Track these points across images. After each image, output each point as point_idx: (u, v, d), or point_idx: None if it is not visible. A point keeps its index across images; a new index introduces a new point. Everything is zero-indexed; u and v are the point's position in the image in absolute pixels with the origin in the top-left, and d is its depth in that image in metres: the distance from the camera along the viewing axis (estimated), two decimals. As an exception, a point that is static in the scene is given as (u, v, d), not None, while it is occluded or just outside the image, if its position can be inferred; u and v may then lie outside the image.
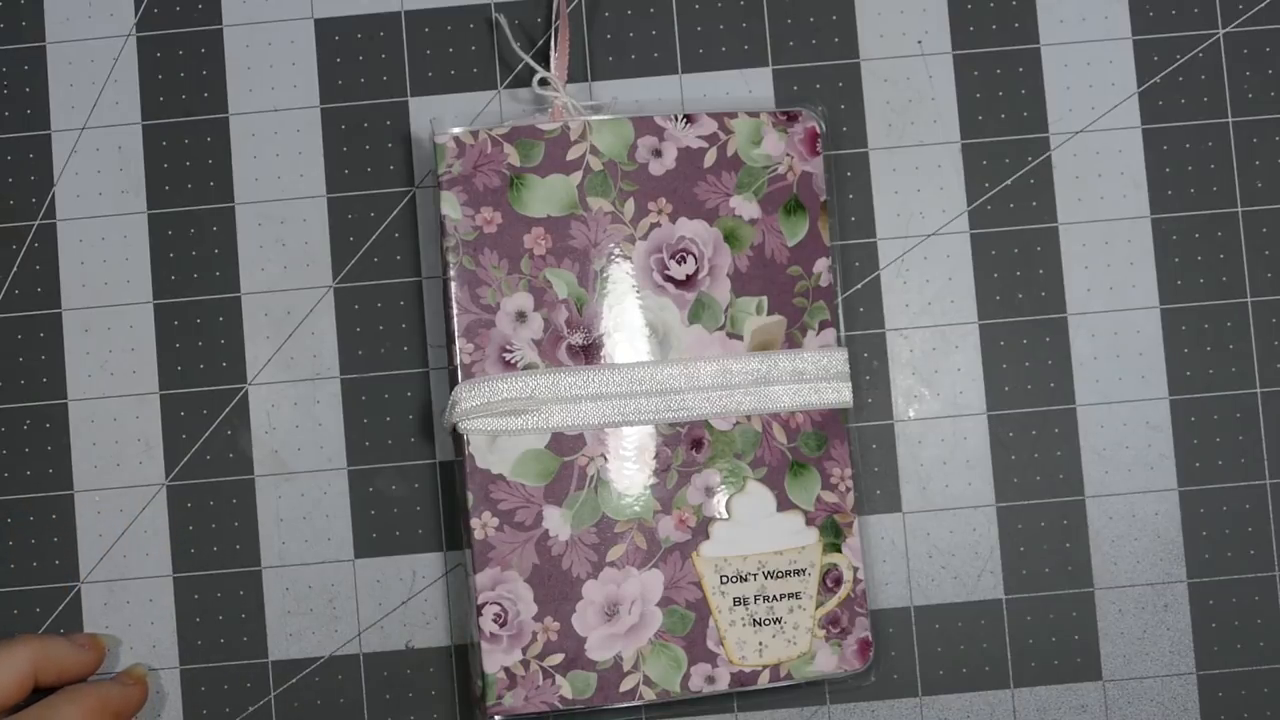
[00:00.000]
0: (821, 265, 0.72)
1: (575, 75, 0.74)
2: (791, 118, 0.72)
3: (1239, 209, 0.74)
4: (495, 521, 0.69)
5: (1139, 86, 0.75)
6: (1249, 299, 0.74)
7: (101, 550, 0.73)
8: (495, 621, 0.69)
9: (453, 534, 0.73)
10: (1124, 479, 0.74)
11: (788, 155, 0.72)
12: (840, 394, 0.71)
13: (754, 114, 0.72)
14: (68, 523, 0.73)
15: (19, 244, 0.74)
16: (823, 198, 0.72)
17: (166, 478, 0.74)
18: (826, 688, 0.73)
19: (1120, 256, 0.74)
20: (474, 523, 0.69)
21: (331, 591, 0.73)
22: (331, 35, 0.75)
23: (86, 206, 0.74)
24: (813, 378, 0.71)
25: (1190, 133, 0.74)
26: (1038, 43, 0.75)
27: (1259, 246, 0.74)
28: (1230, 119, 0.74)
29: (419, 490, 0.74)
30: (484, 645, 0.69)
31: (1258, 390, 0.74)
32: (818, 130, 0.72)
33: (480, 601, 0.69)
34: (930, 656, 0.73)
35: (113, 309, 0.74)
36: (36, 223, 0.74)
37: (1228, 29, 0.75)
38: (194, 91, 0.75)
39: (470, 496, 0.69)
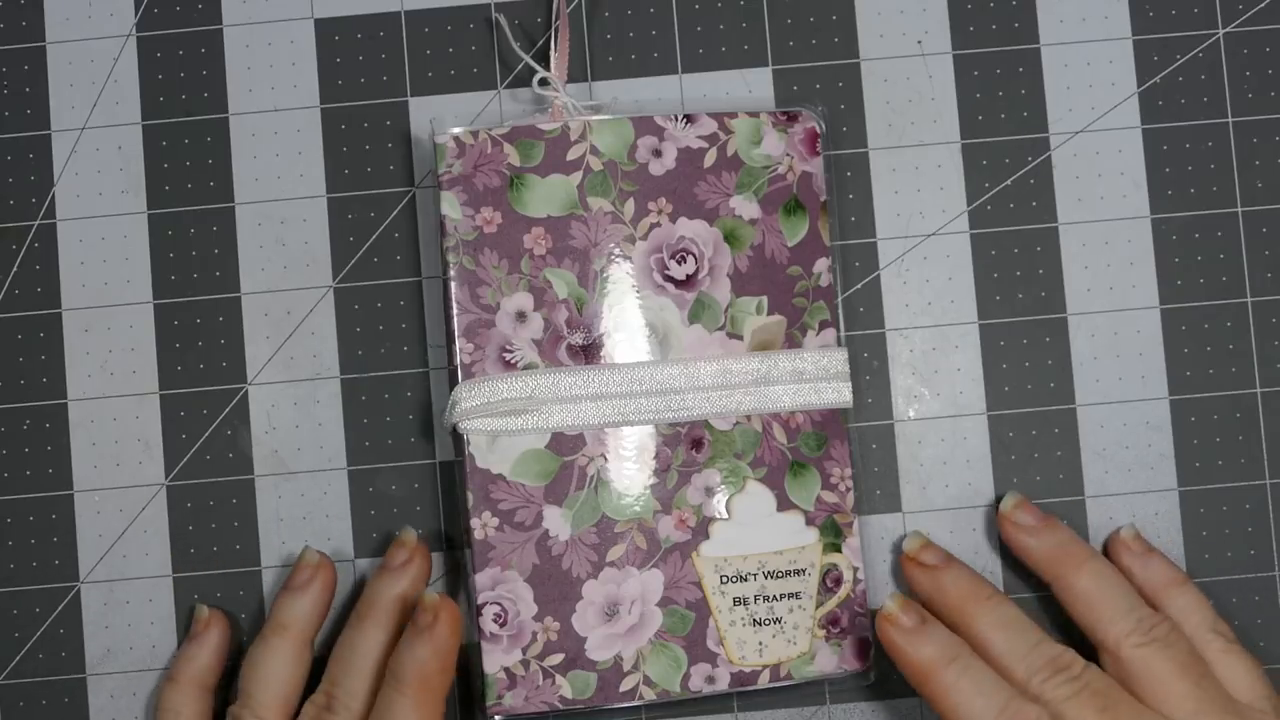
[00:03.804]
0: (821, 265, 0.72)
1: (575, 75, 0.74)
2: (791, 118, 0.72)
3: (1239, 209, 0.74)
4: (495, 521, 0.69)
5: (1139, 86, 0.75)
6: (1249, 299, 0.74)
7: (101, 550, 0.73)
8: (495, 621, 0.69)
9: (453, 534, 0.73)
10: (1124, 479, 0.74)
11: (788, 155, 0.72)
12: (840, 394, 0.71)
13: (754, 114, 0.72)
14: (68, 523, 0.73)
15: (19, 244, 0.74)
16: (823, 198, 0.72)
17: (166, 478, 0.74)
18: (826, 688, 0.73)
19: (1120, 256, 0.74)
20: (474, 523, 0.69)
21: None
22: (331, 35, 0.75)
23: (86, 206, 0.74)
24: (813, 378, 0.71)
25: (1190, 133, 0.74)
26: (1038, 43, 0.75)
27: (1259, 246, 0.74)
28: (1230, 119, 0.74)
29: (419, 490, 0.74)
30: (484, 645, 0.69)
31: (1258, 390, 0.74)
32: (818, 130, 0.72)
33: (480, 601, 0.69)
34: (930, 656, 0.73)
35: (113, 309, 0.74)
36: (36, 223, 0.74)
37: (1228, 29, 0.75)
38: (194, 91, 0.75)
39: (470, 496, 0.69)
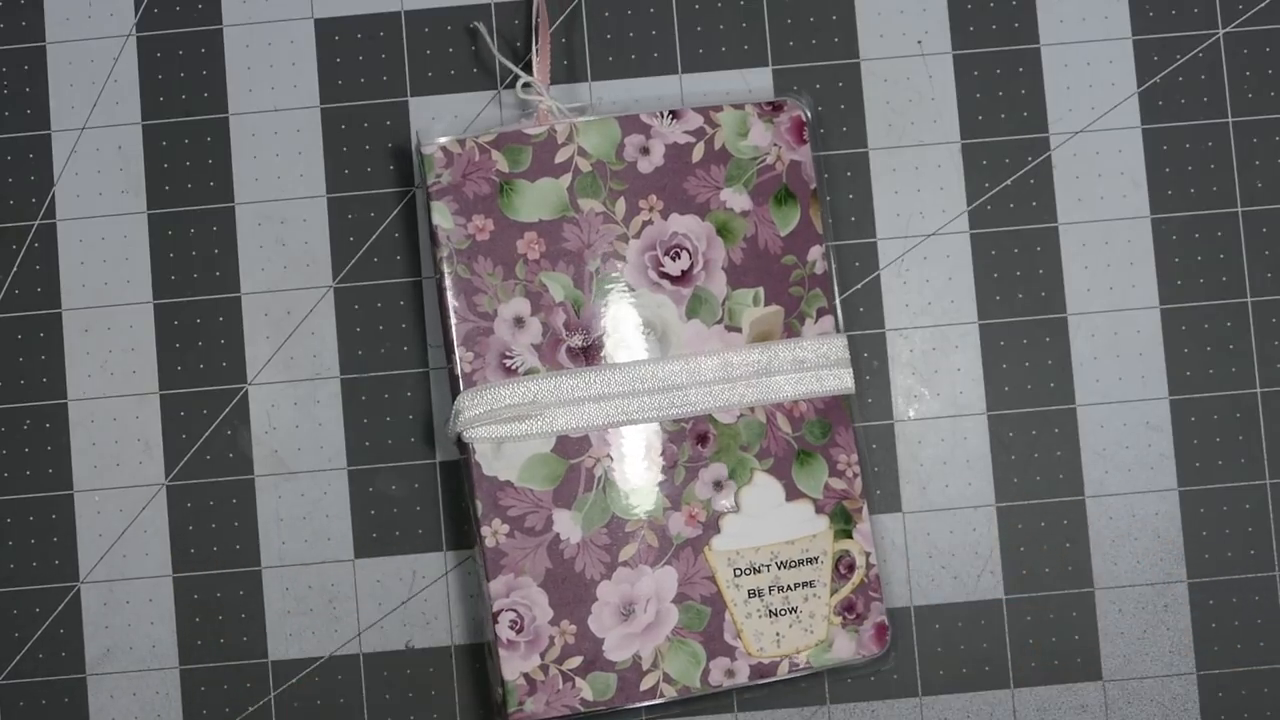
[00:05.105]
0: (815, 253, 0.72)
1: (577, 76, 0.74)
2: (777, 107, 0.72)
3: (1239, 209, 0.74)
4: (505, 528, 0.69)
5: (1139, 86, 0.75)
6: (1249, 299, 0.74)
7: (101, 550, 0.73)
8: (512, 628, 0.69)
9: (453, 534, 0.73)
10: (1124, 479, 0.74)
11: (775, 145, 0.72)
12: (842, 380, 0.71)
13: (739, 106, 0.72)
14: (68, 523, 0.73)
15: (19, 244, 0.74)
16: (812, 185, 0.72)
17: (166, 478, 0.74)
18: (826, 687, 0.73)
19: (1120, 256, 0.74)
20: (484, 530, 0.69)
21: (331, 591, 0.73)
22: (331, 35, 0.75)
23: (86, 206, 0.74)
24: (814, 365, 0.71)
25: (1190, 133, 0.74)
26: (1038, 43, 0.75)
27: (1259, 246, 0.74)
28: (1230, 119, 0.74)
29: (419, 490, 0.73)
30: (502, 652, 0.69)
31: (1258, 390, 0.74)
32: (804, 118, 0.72)
33: (495, 609, 0.69)
34: (930, 656, 0.73)
35: (113, 309, 0.74)
36: (36, 223, 0.74)
37: (1228, 29, 0.75)
38: (194, 91, 0.75)
39: (479, 504, 0.69)
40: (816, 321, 0.72)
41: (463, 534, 0.73)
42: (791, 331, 0.71)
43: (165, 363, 0.74)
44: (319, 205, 0.74)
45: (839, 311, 0.73)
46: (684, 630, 0.70)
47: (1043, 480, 0.74)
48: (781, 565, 0.70)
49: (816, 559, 0.71)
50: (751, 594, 0.70)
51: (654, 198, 0.71)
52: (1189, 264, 0.74)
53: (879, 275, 0.74)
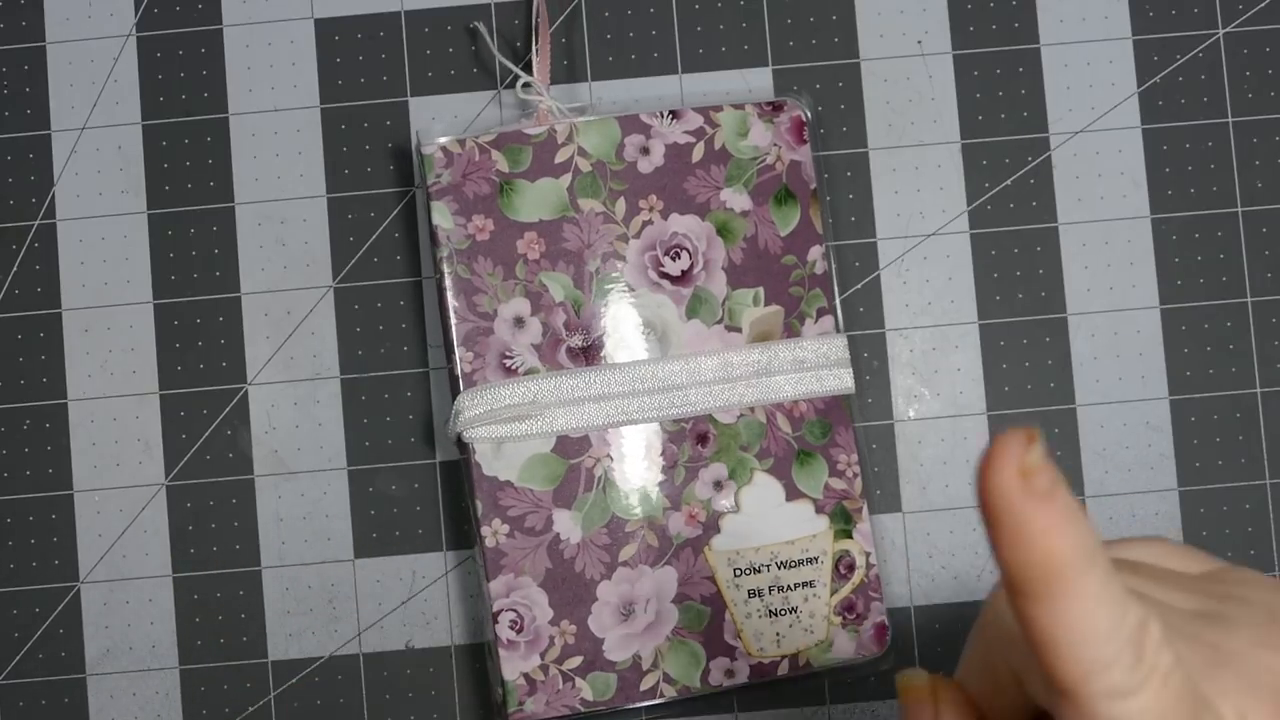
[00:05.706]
0: (815, 253, 0.72)
1: (577, 76, 0.74)
2: (777, 107, 0.72)
3: (1239, 209, 0.74)
4: (506, 528, 0.69)
5: (1139, 86, 0.75)
6: (1249, 299, 0.74)
7: (101, 550, 0.73)
8: (512, 628, 0.69)
9: (453, 534, 0.73)
10: (1124, 479, 0.74)
11: (775, 145, 0.72)
12: (842, 380, 0.71)
13: (739, 106, 0.72)
14: (68, 523, 0.73)
15: (19, 244, 0.74)
16: (812, 185, 0.72)
17: (166, 478, 0.74)
18: (826, 687, 0.73)
19: (1120, 256, 0.74)
20: (484, 530, 0.69)
21: (331, 591, 0.73)
22: (331, 35, 0.75)
23: (86, 206, 0.74)
24: (814, 365, 0.71)
25: (1190, 133, 0.74)
26: (1038, 43, 0.75)
27: (1259, 246, 0.74)
28: (1230, 119, 0.74)
29: (419, 490, 0.73)
30: (502, 652, 0.69)
31: (1258, 390, 0.74)
32: (804, 118, 0.72)
33: (495, 609, 0.69)
34: (930, 656, 0.73)
35: (113, 309, 0.74)
36: (36, 223, 0.74)
37: (1228, 29, 0.75)
38: (194, 91, 0.75)
39: (479, 505, 0.69)
40: (816, 321, 0.72)
41: (463, 534, 0.73)
42: (791, 331, 0.71)
43: (165, 363, 0.74)
44: (319, 205, 0.74)
45: (839, 311, 0.73)
46: (684, 630, 0.70)
47: (1043, 480, 0.74)
48: (781, 565, 0.70)
49: (816, 559, 0.71)
50: (751, 594, 0.70)
51: (654, 198, 0.71)
52: (1189, 264, 0.74)
53: (879, 275, 0.74)
